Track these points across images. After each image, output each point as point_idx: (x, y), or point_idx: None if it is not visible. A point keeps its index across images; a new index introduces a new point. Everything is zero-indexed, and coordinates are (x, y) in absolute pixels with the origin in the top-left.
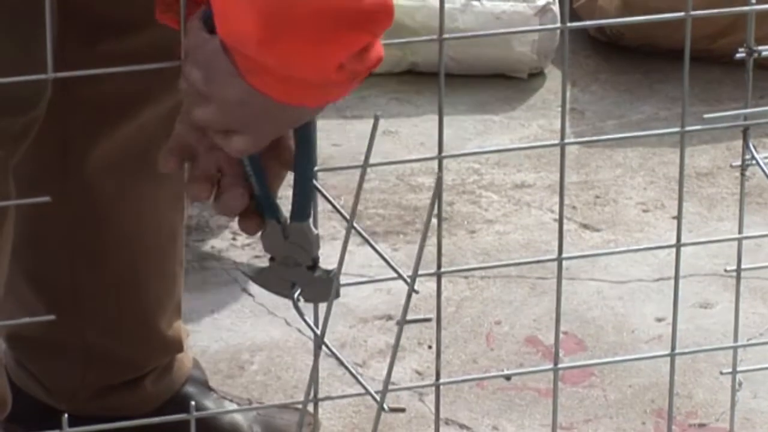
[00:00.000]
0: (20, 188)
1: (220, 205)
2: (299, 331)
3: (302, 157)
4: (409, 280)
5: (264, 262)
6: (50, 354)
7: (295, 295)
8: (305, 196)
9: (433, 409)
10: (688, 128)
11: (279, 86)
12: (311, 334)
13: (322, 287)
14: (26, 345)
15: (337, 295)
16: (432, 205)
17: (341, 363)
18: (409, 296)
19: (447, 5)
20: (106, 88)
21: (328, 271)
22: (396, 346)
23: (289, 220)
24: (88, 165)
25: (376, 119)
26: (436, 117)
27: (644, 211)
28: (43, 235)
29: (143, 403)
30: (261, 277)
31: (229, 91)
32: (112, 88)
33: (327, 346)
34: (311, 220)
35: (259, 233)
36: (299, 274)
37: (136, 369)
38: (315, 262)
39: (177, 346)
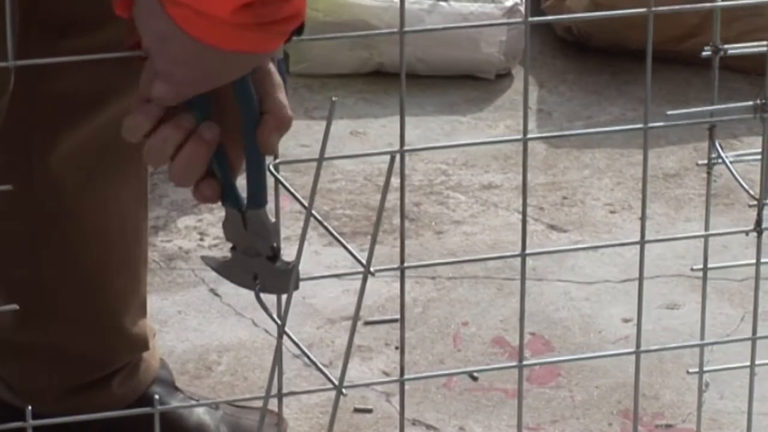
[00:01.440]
0: None
1: (194, 192)
2: (266, 331)
3: (250, 142)
4: (364, 262)
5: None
6: (16, 355)
7: (257, 288)
8: (257, 181)
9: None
10: (651, 125)
11: (193, 19)
12: (274, 332)
13: (283, 279)
14: None
15: (297, 287)
16: (384, 190)
17: (301, 350)
18: (364, 279)
19: (414, 6)
20: (68, 85)
21: (288, 263)
22: (354, 323)
23: (246, 207)
24: (52, 160)
25: (333, 105)
26: (396, 115)
27: (611, 212)
28: (7, 231)
29: (111, 404)
30: (223, 269)
31: (152, 24)
32: (75, 84)
33: (289, 336)
34: (267, 208)
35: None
36: (260, 265)
37: (102, 368)
38: (275, 252)
39: (142, 344)
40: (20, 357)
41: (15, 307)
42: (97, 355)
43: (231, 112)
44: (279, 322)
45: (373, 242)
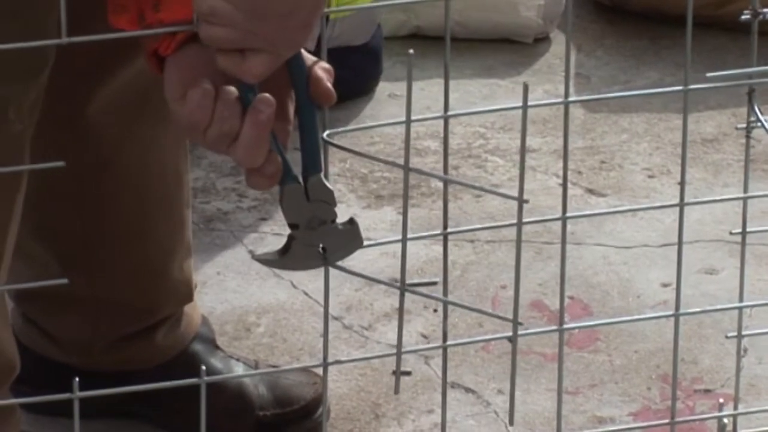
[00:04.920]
0: None
1: (257, 175)
2: (305, 293)
3: (304, 106)
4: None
5: (268, 226)
6: (61, 307)
7: (325, 261)
8: (315, 145)
9: (438, 373)
10: (691, 87)
11: None
12: (317, 297)
13: (349, 238)
14: (37, 301)
15: (361, 244)
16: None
17: (464, 307)
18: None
19: None
20: (105, 31)
21: (349, 221)
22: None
23: (303, 176)
24: (91, 110)
25: (410, 59)
26: (441, 80)
27: (650, 176)
28: (50, 186)
29: (154, 357)
30: (284, 262)
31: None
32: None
33: (414, 292)
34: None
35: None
36: (326, 233)
37: (147, 317)
38: (336, 215)
39: (187, 291)
40: (66, 309)
41: (64, 281)
42: (142, 303)
43: (272, 87)
44: (399, 287)
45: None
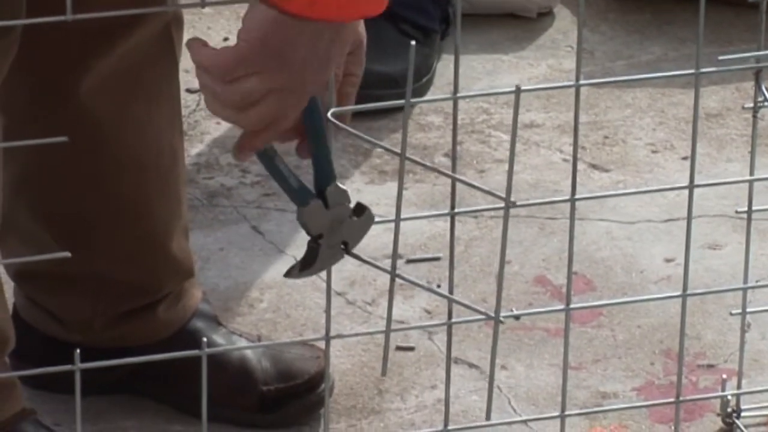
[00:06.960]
0: (18, 122)
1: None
2: None
3: (316, 117)
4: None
5: (271, 201)
6: (62, 287)
7: (348, 249)
8: (328, 155)
9: (441, 348)
10: (702, 70)
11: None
12: (321, 273)
13: (361, 225)
14: (37, 281)
15: (373, 220)
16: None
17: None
18: (506, 214)
19: None
20: (98, 11)
21: (360, 208)
22: None
23: (321, 188)
24: (84, 90)
25: (412, 49)
26: (445, 57)
27: (653, 151)
28: (48, 168)
29: (155, 332)
30: (315, 268)
31: (257, 21)
32: (105, 10)
33: (402, 278)
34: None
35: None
36: (345, 228)
37: (148, 294)
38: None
39: (188, 267)
40: (66, 288)
41: (67, 254)
42: (143, 281)
43: None
44: (390, 271)
45: (510, 177)
